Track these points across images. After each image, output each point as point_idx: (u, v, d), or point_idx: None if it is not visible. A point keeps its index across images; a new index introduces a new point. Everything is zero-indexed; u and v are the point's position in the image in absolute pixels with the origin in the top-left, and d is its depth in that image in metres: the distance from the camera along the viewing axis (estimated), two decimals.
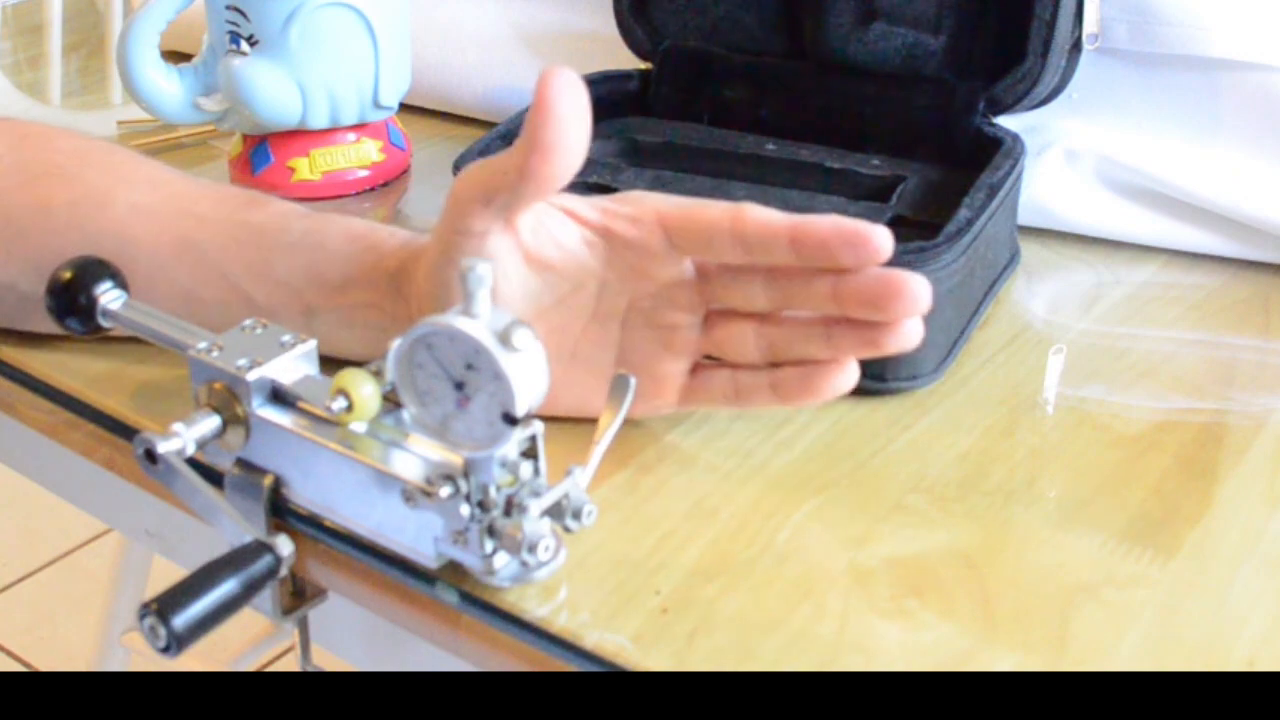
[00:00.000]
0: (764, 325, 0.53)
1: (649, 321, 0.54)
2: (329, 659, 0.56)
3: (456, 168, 0.65)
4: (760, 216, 0.50)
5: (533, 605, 0.46)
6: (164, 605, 0.45)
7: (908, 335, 0.49)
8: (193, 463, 0.50)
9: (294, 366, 0.50)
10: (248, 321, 0.52)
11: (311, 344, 0.51)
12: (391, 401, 0.48)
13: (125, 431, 0.56)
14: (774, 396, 0.53)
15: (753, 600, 0.47)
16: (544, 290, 0.53)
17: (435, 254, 0.52)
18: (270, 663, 1.65)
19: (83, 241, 0.57)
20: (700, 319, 0.54)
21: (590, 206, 0.53)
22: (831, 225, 0.49)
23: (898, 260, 0.57)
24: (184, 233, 0.57)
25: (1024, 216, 0.72)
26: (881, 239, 0.48)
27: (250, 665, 1.48)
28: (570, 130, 0.47)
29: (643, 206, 0.52)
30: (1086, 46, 0.72)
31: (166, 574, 0.49)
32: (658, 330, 0.54)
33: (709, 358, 0.54)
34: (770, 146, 0.72)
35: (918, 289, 0.48)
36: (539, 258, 0.52)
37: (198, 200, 0.59)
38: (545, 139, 0.46)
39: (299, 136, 0.76)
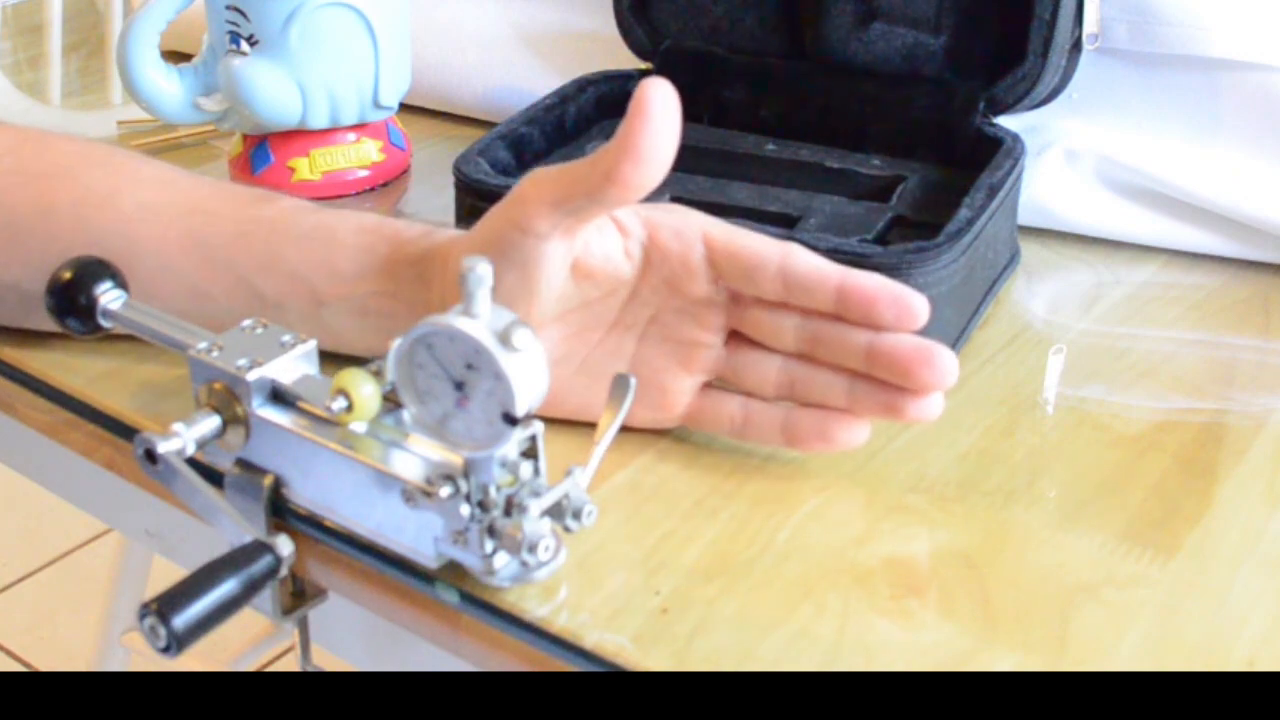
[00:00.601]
0: (789, 360, 0.53)
1: (669, 335, 0.54)
2: (329, 659, 0.56)
3: (457, 168, 0.65)
4: (810, 262, 0.51)
5: (533, 605, 0.46)
6: (164, 605, 0.45)
7: (929, 407, 0.51)
8: (193, 463, 0.50)
9: (294, 366, 0.50)
10: (247, 322, 0.52)
11: (311, 344, 0.51)
12: (391, 401, 0.48)
13: (125, 431, 0.56)
14: (782, 437, 0.53)
15: (753, 600, 0.47)
16: (575, 295, 0.53)
17: (480, 244, 0.51)
18: (270, 663, 1.65)
19: (88, 241, 0.57)
20: (720, 340, 0.54)
21: (634, 216, 0.53)
22: (880, 284, 0.50)
23: (898, 260, 0.57)
24: (192, 228, 0.57)
25: (1024, 216, 0.72)
26: (921, 307, 0.50)
27: (250, 665, 1.48)
28: (664, 140, 0.46)
29: (688, 221, 0.53)
30: (1086, 46, 0.72)
31: (166, 574, 0.49)
32: (676, 345, 0.54)
33: (720, 381, 0.54)
34: (770, 146, 0.72)
35: (948, 363, 0.50)
36: (584, 266, 0.52)
37: (206, 197, 0.59)
38: (641, 145, 0.46)
39: (299, 136, 0.76)
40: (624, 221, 0.53)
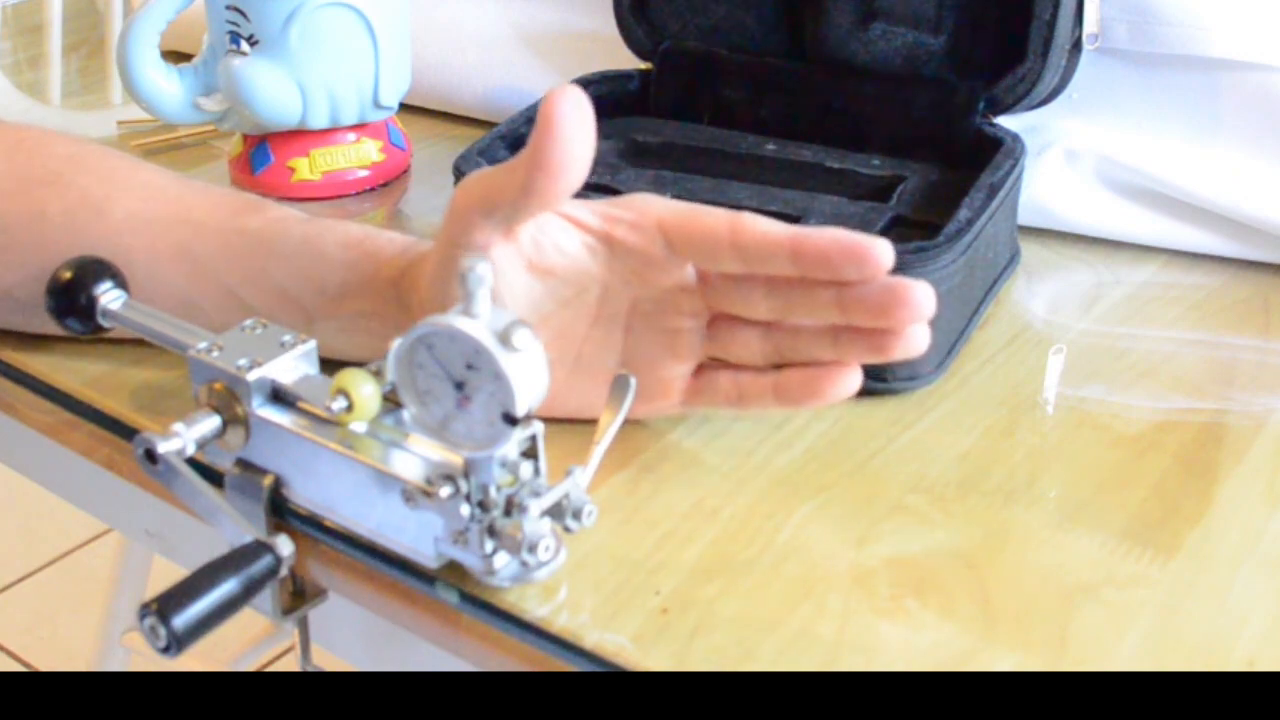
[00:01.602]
0: (770, 329, 0.53)
1: (652, 325, 0.54)
2: (329, 659, 0.56)
3: (456, 168, 0.65)
4: (759, 228, 0.50)
5: (533, 605, 0.46)
6: (164, 605, 0.45)
7: (914, 341, 0.49)
8: (193, 463, 0.50)
9: (294, 366, 0.50)
10: (248, 322, 0.52)
11: (311, 344, 0.51)
12: (391, 401, 0.48)
13: (125, 431, 0.56)
14: (777, 399, 0.52)
15: (753, 600, 0.47)
16: (546, 296, 0.53)
17: (435, 266, 0.52)
18: (270, 663, 1.65)
19: (80, 249, 0.57)
20: (703, 322, 0.54)
21: (591, 212, 0.53)
22: (832, 238, 0.48)
23: (898, 260, 0.57)
24: (180, 241, 0.57)
25: (1024, 216, 0.72)
26: (882, 251, 0.48)
27: (250, 665, 1.48)
28: (575, 148, 0.46)
29: (644, 211, 0.52)
30: (1086, 46, 0.72)
31: (166, 574, 0.49)
32: (661, 333, 0.54)
33: (712, 358, 0.54)
34: (770, 146, 0.72)
35: (922, 296, 0.48)
36: (541, 265, 0.52)
37: (194, 207, 0.58)
38: (550, 157, 0.46)
39: (299, 136, 0.76)
40: (579, 217, 0.52)
